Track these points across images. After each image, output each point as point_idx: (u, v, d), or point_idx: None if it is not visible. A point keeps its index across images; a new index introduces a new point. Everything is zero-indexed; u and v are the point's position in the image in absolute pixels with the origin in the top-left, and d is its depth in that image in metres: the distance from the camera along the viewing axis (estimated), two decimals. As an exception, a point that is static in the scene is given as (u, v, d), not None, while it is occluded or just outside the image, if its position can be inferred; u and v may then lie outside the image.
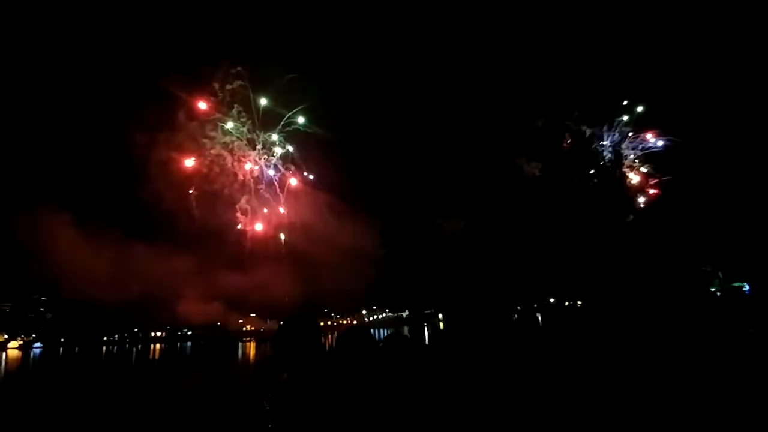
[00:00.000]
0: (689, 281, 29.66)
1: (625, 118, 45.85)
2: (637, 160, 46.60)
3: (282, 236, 53.87)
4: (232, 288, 60.82)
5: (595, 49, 48.45)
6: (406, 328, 45.51)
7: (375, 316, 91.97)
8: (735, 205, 34.02)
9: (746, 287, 33.88)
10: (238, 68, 49.72)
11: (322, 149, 54.15)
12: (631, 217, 36.71)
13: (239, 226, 51.49)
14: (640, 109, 45.80)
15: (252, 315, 79.10)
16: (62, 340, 76.30)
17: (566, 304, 35.13)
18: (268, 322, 74.19)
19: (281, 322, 2.54)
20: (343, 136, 56.25)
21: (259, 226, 52.00)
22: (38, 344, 77.16)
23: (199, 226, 51.12)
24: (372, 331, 2.94)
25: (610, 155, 42.97)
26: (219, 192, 51.53)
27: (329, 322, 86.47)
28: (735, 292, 33.52)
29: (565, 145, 39.85)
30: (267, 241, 53.70)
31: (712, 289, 34.60)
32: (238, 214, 51.36)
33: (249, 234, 52.27)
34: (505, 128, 44.96)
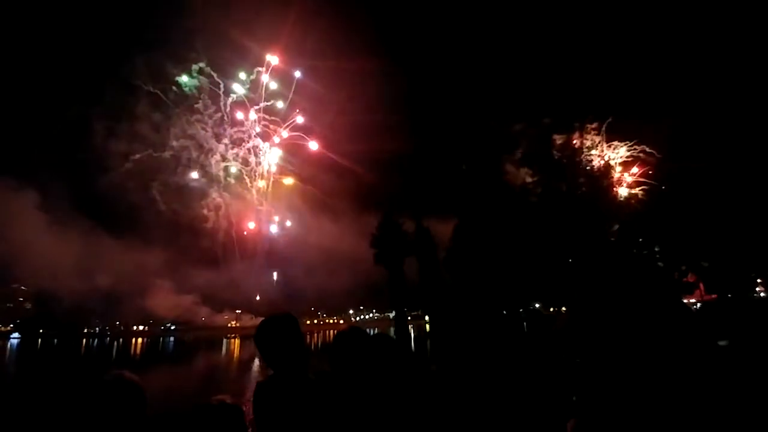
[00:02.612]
0: (666, 291, 30.15)
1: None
2: (622, 170, 47.27)
3: (268, 233, 53.67)
4: (213, 284, 60.36)
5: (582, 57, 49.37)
6: (392, 329, 45.57)
7: (362, 317, 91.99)
8: (719, 217, 34.65)
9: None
10: (201, 64, 49.55)
11: (312, 149, 54.11)
12: (617, 226, 37.18)
13: (208, 224, 51.06)
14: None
15: (237, 311, 78.60)
16: (41, 331, 74.72)
17: (551, 310, 35.47)
18: (254, 319, 73.69)
19: (260, 322, 2.52)
20: (334, 137, 56.14)
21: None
22: (16, 335, 75.53)
23: (170, 220, 50.74)
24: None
25: (599, 164, 43.54)
26: (188, 186, 51.14)
27: (316, 321, 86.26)
28: (715, 304, 34.07)
29: (555, 153, 40.27)
30: (247, 238, 53.41)
31: (692, 300, 35.25)
32: (205, 211, 50.88)
33: (222, 230, 51.93)
34: (497, 134, 45.33)
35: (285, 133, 53.59)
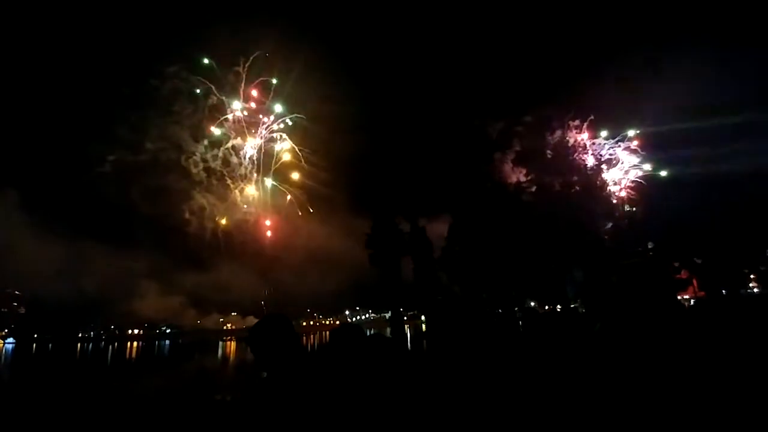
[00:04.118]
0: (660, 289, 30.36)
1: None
2: (617, 167, 47.52)
3: (258, 233, 53.43)
4: (206, 287, 60.09)
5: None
6: (388, 329, 45.57)
7: (358, 317, 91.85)
8: (712, 213, 34.94)
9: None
10: (175, 67, 49.30)
11: (304, 145, 53.93)
12: (610, 224, 37.46)
13: (192, 226, 50.74)
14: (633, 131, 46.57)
15: (233, 314, 78.26)
16: (35, 335, 74.24)
17: (546, 308, 35.66)
18: (249, 320, 73.36)
19: (254, 324, 2.53)
20: (324, 134, 55.84)
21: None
22: (10, 340, 74.98)
23: (155, 223, 50.44)
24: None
25: (592, 162, 43.81)
26: (170, 187, 50.81)
27: (312, 322, 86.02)
28: (708, 300, 34.30)
29: (548, 151, 40.51)
30: (236, 239, 53.07)
31: (686, 297, 35.55)
32: (187, 215, 50.56)
33: (208, 231, 51.65)
34: (489, 133, 45.38)
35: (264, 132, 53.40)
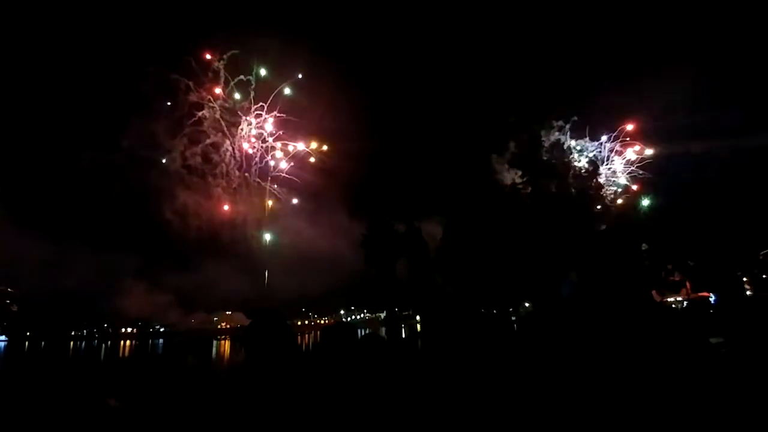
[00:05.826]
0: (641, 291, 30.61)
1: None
2: (613, 170, 47.80)
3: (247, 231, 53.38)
4: (199, 285, 60.05)
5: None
6: (383, 329, 45.58)
7: (353, 317, 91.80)
8: (704, 216, 35.12)
9: (712, 297, 35.04)
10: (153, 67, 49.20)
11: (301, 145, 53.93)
12: (604, 226, 37.62)
13: (176, 225, 50.72)
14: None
15: (228, 313, 78.04)
16: (28, 334, 73.75)
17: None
18: (244, 319, 73.14)
19: (249, 321, 2.54)
20: (321, 136, 55.88)
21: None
22: (3, 338, 74.48)
23: (143, 221, 50.46)
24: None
25: (587, 165, 44.00)
26: (152, 185, 50.74)
27: (307, 322, 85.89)
28: (701, 302, 34.60)
29: (544, 153, 40.63)
30: (226, 238, 53.04)
31: (679, 299, 35.78)
32: (169, 214, 50.54)
33: (194, 230, 51.61)
34: (486, 135, 45.45)
35: (252, 129, 53.37)
